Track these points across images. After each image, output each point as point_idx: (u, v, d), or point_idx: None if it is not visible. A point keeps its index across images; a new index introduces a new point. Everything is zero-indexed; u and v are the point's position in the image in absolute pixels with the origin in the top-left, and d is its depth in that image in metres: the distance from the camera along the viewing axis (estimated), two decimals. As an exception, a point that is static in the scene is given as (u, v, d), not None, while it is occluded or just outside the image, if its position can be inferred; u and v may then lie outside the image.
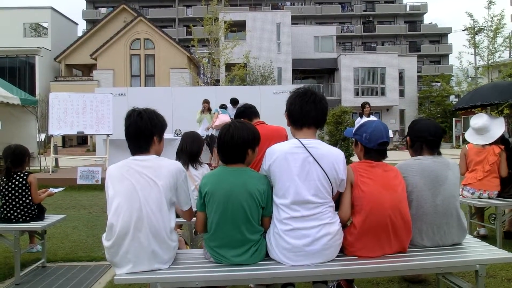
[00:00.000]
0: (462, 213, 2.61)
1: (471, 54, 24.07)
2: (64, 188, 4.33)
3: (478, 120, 4.21)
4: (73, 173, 8.23)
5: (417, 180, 2.49)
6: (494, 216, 4.36)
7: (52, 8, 32.30)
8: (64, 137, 24.10)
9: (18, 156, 3.70)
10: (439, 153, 2.68)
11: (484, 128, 4.17)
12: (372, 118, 8.81)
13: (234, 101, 10.49)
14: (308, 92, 2.36)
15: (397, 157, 2.84)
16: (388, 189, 2.28)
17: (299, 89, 2.41)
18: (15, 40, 29.86)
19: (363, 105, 9.50)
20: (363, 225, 2.25)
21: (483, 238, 3.82)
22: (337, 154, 2.27)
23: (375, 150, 2.39)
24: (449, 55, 45.18)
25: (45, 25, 32.31)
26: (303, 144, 2.23)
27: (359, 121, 8.92)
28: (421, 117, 31.55)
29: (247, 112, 3.56)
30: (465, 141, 4.51)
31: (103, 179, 2.28)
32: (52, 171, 10.13)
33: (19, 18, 31.47)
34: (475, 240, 2.70)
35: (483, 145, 4.20)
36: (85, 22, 46.10)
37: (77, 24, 37.14)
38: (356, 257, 2.30)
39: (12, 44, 28.85)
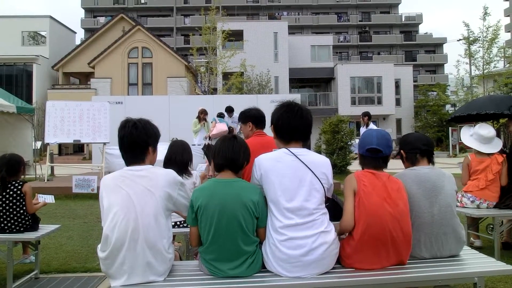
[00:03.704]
0: (460, 223, 2.59)
1: (467, 63, 24.31)
2: (52, 196, 4.25)
3: (490, 129, 4.22)
4: (69, 181, 8.11)
5: (414, 189, 2.48)
6: (492, 226, 4.35)
7: (51, 17, 32.42)
8: (60, 145, 24.05)
9: (13, 166, 3.66)
10: (433, 163, 2.70)
11: (494, 136, 4.20)
12: (371, 127, 8.82)
13: (229, 109, 10.50)
14: (295, 106, 2.40)
15: (394, 166, 2.85)
16: (389, 202, 2.25)
17: (284, 103, 2.45)
18: (13, 48, 29.91)
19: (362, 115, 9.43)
20: (362, 237, 2.23)
21: (478, 249, 3.80)
22: (325, 160, 2.36)
23: (366, 157, 2.40)
24: (445, 65, 45.59)
25: (43, 33, 32.41)
26: (292, 152, 2.27)
27: (362, 130, 8.96)
28: (418, 125, 31.71)
29: (259, 118, 3.45)
30: (461, 150, 4.48)
31: (99, 188, 2.26)
32: (48, 180, 10.05)
33: (18, 27, 31.57)
34: (473, 252, 2.69)
35: (488, 154, 4.20)
36: (83, 30, 46.30)
37: (75, 32, 37.29)
38: (354, 269, 2.27)
39: (10, 52, 28.89)
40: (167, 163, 3.46)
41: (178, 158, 3.46)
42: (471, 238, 4.50)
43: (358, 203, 2.25)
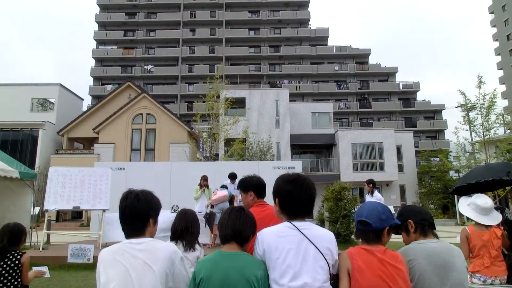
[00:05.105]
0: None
1: (466, 130, 24.61)
2: (46, 267, 4.06)
3: (487, 199, 4.11)
4: (64, 250, 7.91)
5: (423, 265, 2.35)
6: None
7: (61, 85, 33.69)
8: (58, 211, 23.73)
9: (16, 236, 3.58)
10: (438, 237, 2.60)
11: (492, 207, 4.08)
12: (376, 195, 8.69)
13: (232, 176, 10.48)
14: (303, 182, 2.35)
15: (397, 236, 2.75)
16: (387, 279, 2.12)
17: (291, 178, 2.39)
18: (21, 114, 30.75)
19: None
20: None
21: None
22: (329, 234, 2.27)
23: (358, 229, 2.34)
24: (445, 131, 46.26)
25: (52, 100, 33.46)
26: (296, 226, 2.20)
27: (367, 198, 8.84)
28: (422, 192, 31.29)
29: (260, 187, 3.34)
30: (470, 219, 4.35)
31: (95, 257, 2.16)
32: (43, 248, 9.76)
33: (28, 94, 32.71)
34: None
35: (487, 226, 4.08)
36: (91, 97, 47.96)
37: (82, 99, 38.56)
38: None
39: (19, 118, 29.66)
40: (183, 232, 3.32)
41: (194, 229, 3.36)
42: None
43: (354, 285, 2.14)
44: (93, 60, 51.07)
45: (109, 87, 46.51)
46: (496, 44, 62.36)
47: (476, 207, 4.12)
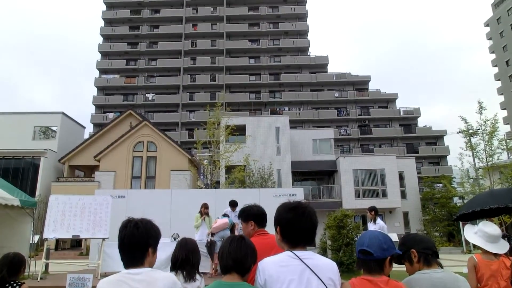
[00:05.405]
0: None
1: (469, 156, 24.46)
2: None
3: (494, 227, 4.03)
4: (62, 280, 7.76)
5: (429, 296, 2.28)
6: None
7: (63, 113, 34.00)
8: (57, 239, 23.43)
9: (15, 266, 3.54)
10: (442, 267, 2.53)
11: (500, 235, 4.01)
12: (378, 222, 8.57)
13: (233, 204, 10.40)
14: (304, 210, 2.33)
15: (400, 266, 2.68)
16: None
17: (292, 206, 2.37)
18: (24, 142, 30.90)
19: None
20: None
21: None
22: (331, 264, 2.23)
23: (359, 259, 2.28)
24: (447, 156, 46.07)
25: (54, 128, 33.70)
26: (298, 256, 2.16)
27: (370, 226, 8.72)
28: (426, 219, 30.75)
29: (261, 217, 3.34)
30: (476, 246, 4.25)
31: (94, 287, 2.12)
32: (41, 278, 9.58)
33: (31, 122, 32.99)
34: None
35: (495, 255, 3.98)
36: (92, 125, 48.28)
37: (84, 127, 38.81)
38: None
39: (21, 146, 29.82)
40: (184, 262, 3.27)
41: (195, 259, 3.30)
42: None
43: None
44: (95, 89, 51.75)
45: (110, 115, 46.92)
46: (496, 70, 63.12)
47: (483, 234, 4.04)
